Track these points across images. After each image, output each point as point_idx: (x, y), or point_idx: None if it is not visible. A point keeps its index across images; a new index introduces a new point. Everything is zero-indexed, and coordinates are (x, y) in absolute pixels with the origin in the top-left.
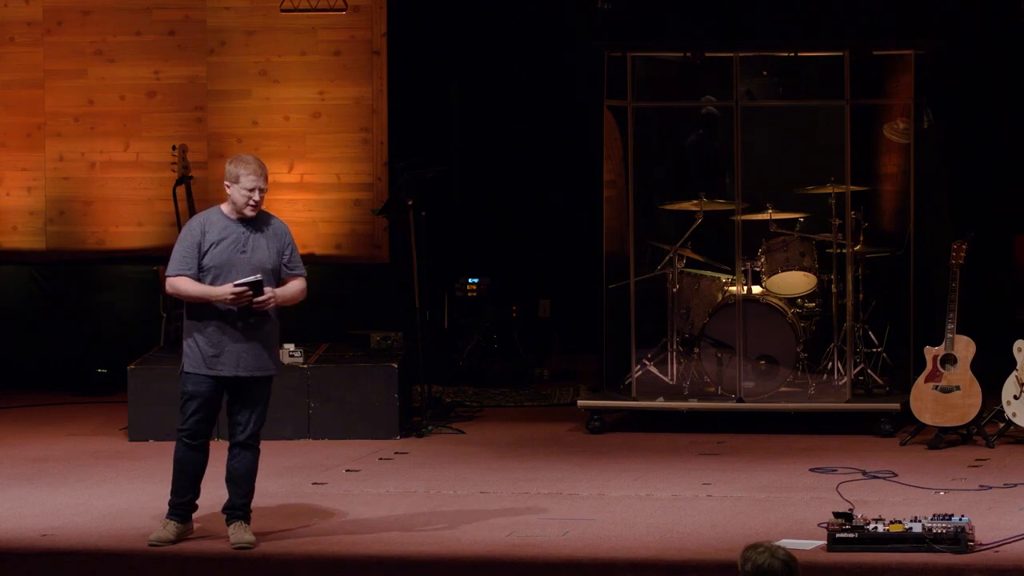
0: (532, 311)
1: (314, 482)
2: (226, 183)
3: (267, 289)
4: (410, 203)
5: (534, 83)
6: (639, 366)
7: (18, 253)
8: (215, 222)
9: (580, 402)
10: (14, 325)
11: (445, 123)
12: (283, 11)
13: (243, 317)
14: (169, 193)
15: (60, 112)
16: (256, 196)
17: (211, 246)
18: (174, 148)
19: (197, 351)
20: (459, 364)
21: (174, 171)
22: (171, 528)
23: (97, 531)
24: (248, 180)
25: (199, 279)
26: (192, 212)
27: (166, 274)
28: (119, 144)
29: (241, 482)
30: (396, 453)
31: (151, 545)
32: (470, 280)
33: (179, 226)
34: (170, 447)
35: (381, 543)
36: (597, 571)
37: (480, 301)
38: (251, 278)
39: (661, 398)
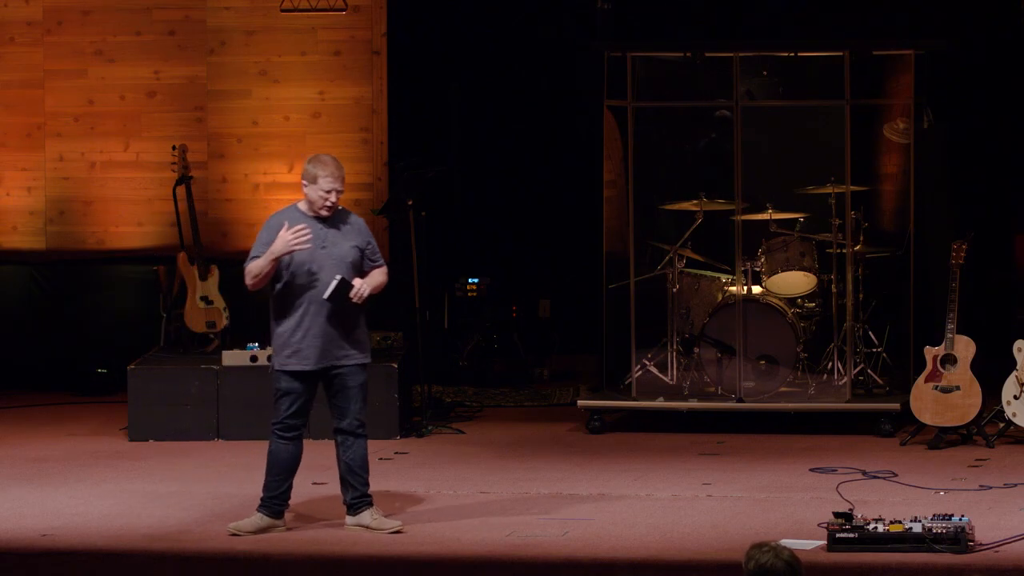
0: (532, 311)
1: (314, 482)
2: (303, 182)
3: (355, 281)
4: (410, 203)
5: (534, 83)
6: (639, 366)
7: (18, 253)
8: (295, 219)
9: (580, 402)
10: (14, 325)
11: (445, 123)
12: (283, 11)
13: (331, 309)
14: (169, 193)
15: (60, 112)
16: (332, 197)
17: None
18: (174, 148)
19: (287, 346)
20: (459, 364)
21: (174, 171)
22: (255, 519)
23: (97, 531)
24: (326, 182)
25: (280, 276)
26: (192, 212)
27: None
28: (119, 144)
29: (360, 471)
30: (396, 453)
31: (231, 534)
32: (470, 280)
33: (179, 226)
34: (170, 447)
35: (381, 543)
36: (597, 571)
37: (480, 301)
38: (334, 282)
39: (661, 398)
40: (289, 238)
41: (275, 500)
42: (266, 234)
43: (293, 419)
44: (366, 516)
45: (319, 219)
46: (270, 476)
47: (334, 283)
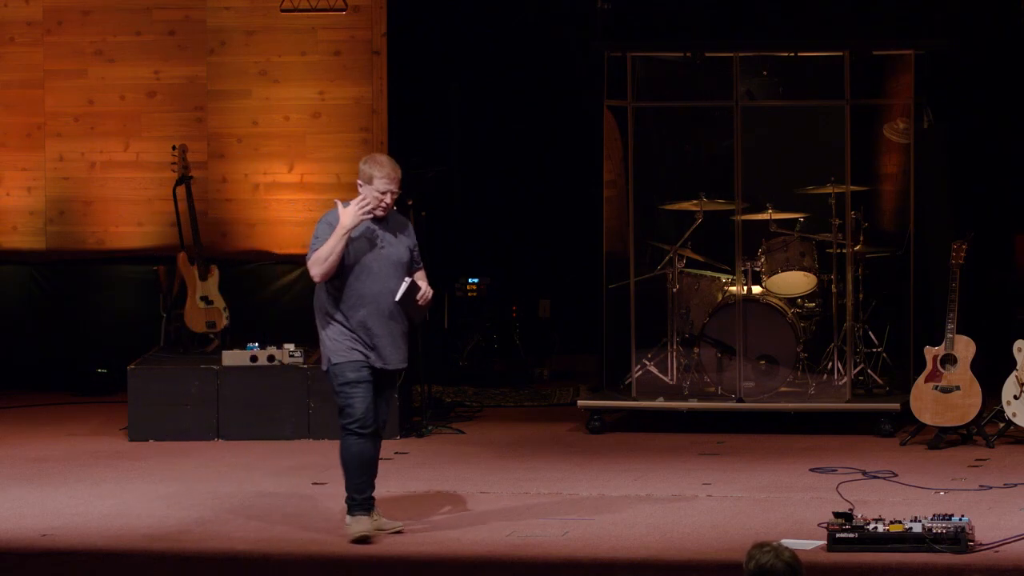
0: (532, 311)
1: (314, 482)
2: (359, 182)
3: (421, 284)
4: (410, 203)
5: (534, 83)
6: (639, 366)
7: (18, 253)
8: None
9: (580, 402)
10: (14, 325)
11: (445, 123)
12: (283, 11)
13: (391, 312)
14: (169, 193)
15: (60, 112)
16: (388, 199)
17: (349, 242)
18: (174, 148)
19: (348, 342)
20: (459, 364)
21: (174, 171)
22: (367, 521)
23: (97, 531)
24: (382, 183)
25: (339, 275)
26: (192, 212)
27: (307, 264)
28: (119, 144)
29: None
30: (396, 453)
31: (357, 542)
32: (470, 280)
33: (179, 226)
34: (170, 447)
35: (381, 543)
36: (597, 571)
37: (480, 301)
38: (404, 285)
39: (661, 398)
40: (355, 210)
41: (369, 499)
42: (323, 228)
43: (368, 412)
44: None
45: (374, 220)
46: (360, 477)
47: (404, 285)
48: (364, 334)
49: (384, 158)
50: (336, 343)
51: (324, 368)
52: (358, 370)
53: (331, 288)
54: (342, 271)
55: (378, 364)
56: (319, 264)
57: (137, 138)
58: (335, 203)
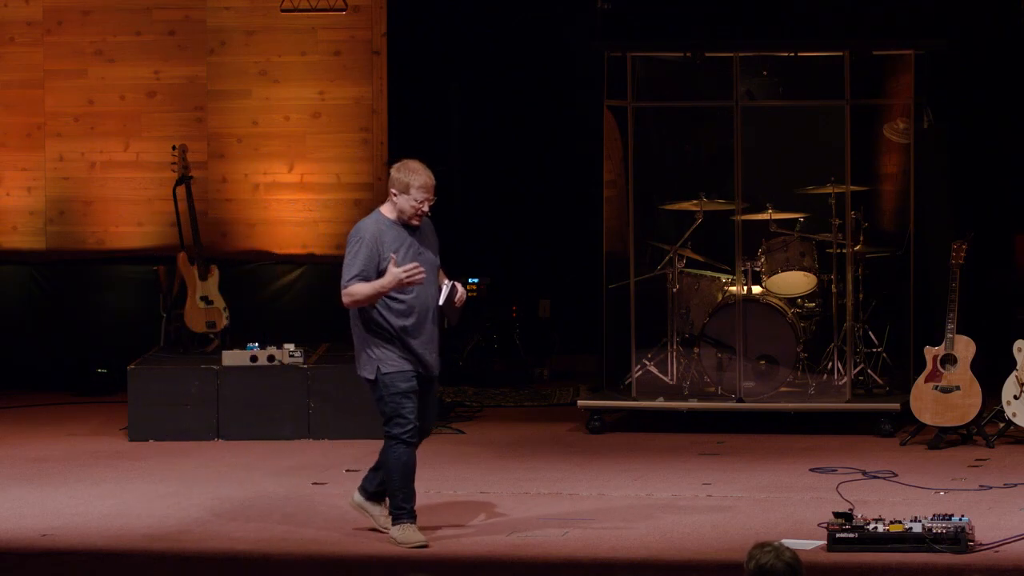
0: (532, 311)
1: (314, 482)
2: (393, 190)
3: (456, 285)
4: None
5: (534, 83)
6: (639, 366)
7: (18, 253)
8: (386, 230)
9: (580, 402)
10: (14, 325)
11: (445, 123)
12: (283, 11)
13: (432, 318)
14: (169, 193)
15: (60, 112)
16: (425, 208)
17: (386, 252)
18: (174, 148)
19: (398, 351)
20: (459, 364)
21: (174, 171)
22: (415, 529)
23: (97, 531)
24: (419, 192)
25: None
26: (192, 212)
27: (342, 285)
28: (119, 144)
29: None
30: None
31: (414, 546)
32: (470, 280)
33: (179, 226)
34: (170, 447)
35: (381, 543)
36: (597, 571)
37: (480, 301)
38: (447, 289)
39: (661, 398)
40: (401, 277)
41: (413, 508)
42: (364, 250)
43: (417, 421)
44: (377, 509)
45: (406, 225)
46: (408, 486)
47: (447, 289)
48: (409, 341)
49: (418, 165)
50: (385, 352)
51: (371, 377)
52: (409, 380)
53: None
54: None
55: (422, 371)
56: (351, 299)
57: (137, 138)
58: (377, 213)
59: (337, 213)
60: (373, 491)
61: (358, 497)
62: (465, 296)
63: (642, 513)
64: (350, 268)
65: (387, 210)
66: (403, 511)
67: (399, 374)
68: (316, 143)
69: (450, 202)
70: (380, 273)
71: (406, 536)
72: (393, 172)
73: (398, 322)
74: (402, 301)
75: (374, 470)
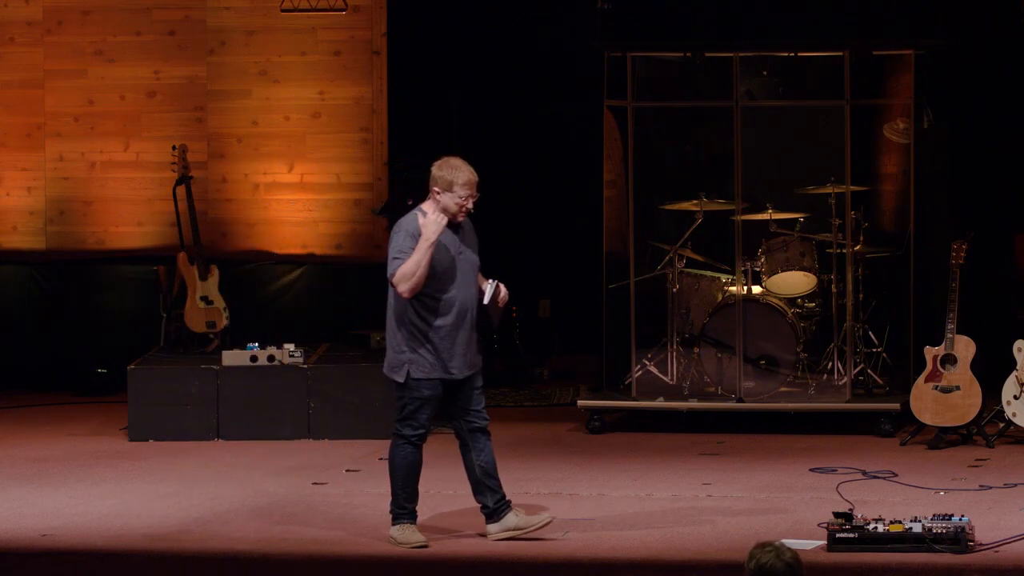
0: (532, 311)
1: (314, 482)
2: (435, 188)
3: (500, 285)
4: (410, 203)
5: (534, 83)
6: (639, 366)
7: (18, 253)
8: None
9: (580, 402)
10: (14, 325)
11: (445, 123)
12: (283, 11)
13: (472, 319)
14: (169, 193)
15: (60, 112)
16: (470, 204)
17: (434, 251)
18: (174, 148)
19: (430, 356)
20: None
21: (174, 171)
22: (415, 529)
23: (97, 531)
24: (463, 189)
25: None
26: (192, 212)
27: (389, 276)
28: (119, 144)
29: (494, 472)
30: None
31: (415, 547)
32: None
33: (179, 226)
34: (170, 447)
35: (381, 543)
36: (597, 571)
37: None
38: (491, 288)
39: (661, 398)
40: (438, 220)
41: (415, 508)
42: (404, 239)
43: (428, 427)
44: (511, 519)
45: (450, 225)
46: (411, 486)
47: (491, 288)
48: (448, 341)
49: (460, 162)
50: (419, 356)
51: (400, 380)
52: (434, 388)
53: (414, 300)
54: (429, 282)
55: (463, 373)
56: (407, 280)
57: (137, 138)
58: (418, 211)
59: (337, 213)
60: (493, 508)
61: (491, 528)
62: (507, 295)
63: (642, 513)
64: (394, 260)
65: (428, 208)
66: (404, 511)
67: (427, 381)
68: (316, 143)
69: None
70: (431, 276)
71: (406, 536)
72: (435, 170)
73: (437, 321)
74: (440, 299)
75: (476, 487)
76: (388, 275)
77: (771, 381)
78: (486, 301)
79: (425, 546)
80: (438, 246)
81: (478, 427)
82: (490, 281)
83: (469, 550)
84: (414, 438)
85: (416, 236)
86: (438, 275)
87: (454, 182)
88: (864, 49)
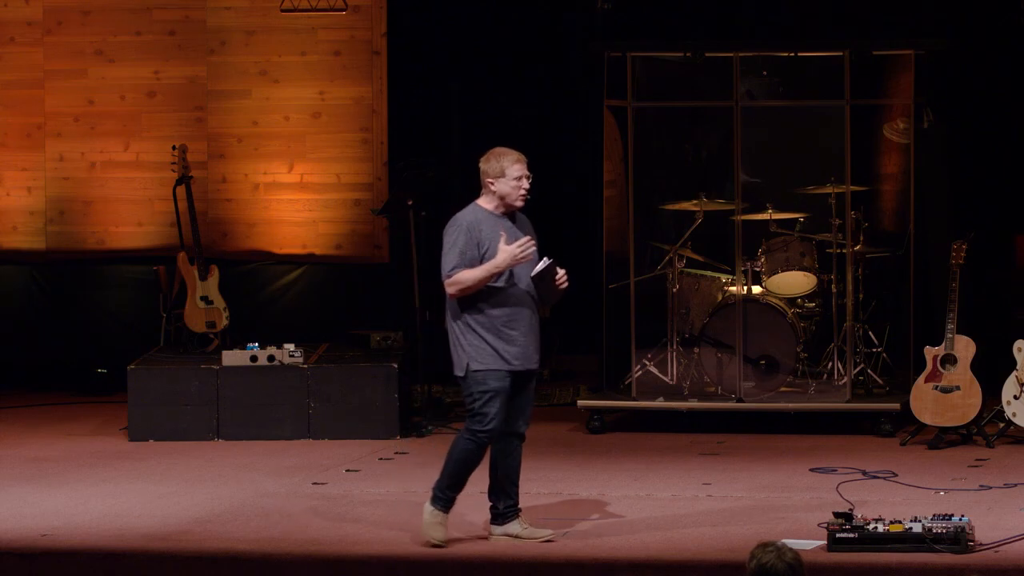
0: None
1: (314, 482)
2: (489, 180)
3: (554, 263)
4: (410, 203)
5: (534, 83)
6: (639, 366)
7: (18, 253)
8: (484, 219)
9: (580, 402)
10: (14, 325)
11: (445, 123)
12: (283, 11)
13: (531, 314)
14: (169, 193)
15: (60, 112)
16: (526, 184)
17: (489, 244)
18: (174, 148)
19: (489, 347)
20: None
21: (174, 171)
22: (443, 524)
23: (97, 531)
24: (515, 169)
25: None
26: (192, 212)
27: (444, 274)
28: (119, 144)
29: (517, 478)
30: (396, 453)
31: (435, 546)
32: None
33: (179, 226)
34: (170, 447)
35: (381, 543)
36: (597, 571)
37: None
38: (544, 262)
39: (661, 398)
40: (516, 252)
41: (455, 498)
42: (463, 239)
43: (500, 422)
44: (515, 526)
45: (505, 215)
46: (463, 479)
47: (544, 263)
48: (509, 332)
49: (504, 148)
50: (477, 349)
51: (461, 374)
52: (501, 379)
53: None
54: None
55: (519, 366)
56: (458, 287)
57: (137, 138)
58: (474, 205)
59: (337, 213)
60: (502, 511)
61: (494, 528)
62: (566, 280)
63: (642, 513)
64: (450, 257)
65: (484, 201)
66: (443, 496)
67: (489, 372)
68: (316, 143)
69: (450, 202)
70: (483, 261)
71: (432, 524)
72: (482, 164)
73: (494, 315)
74: (497, 291)
75: (492, 488)
76: (442, 270)
77: (771, 381)
78: (533, 274)
79: (440, 546)
80: (492, 239)
81: (517, 432)
82: (547, 258)
83: (469, 550)
84: (481, 434)
85: (472, 231)
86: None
87: (505, 167)
88: (864, 49)
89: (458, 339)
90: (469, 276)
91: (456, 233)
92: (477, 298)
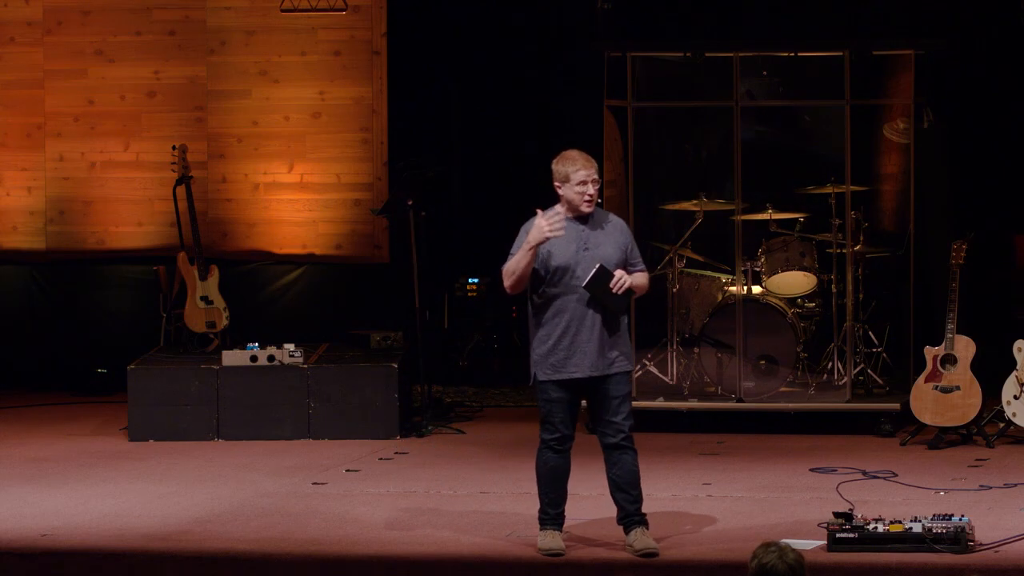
0: None
1: (314, 482)
2: (556, 184)
3: (616, 272)
4: (410, 203)
5: (534, 83)
6: (639, 366)
7: (18, 253)
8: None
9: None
10: (14, 325)
11: (445, 123)
12: (283, 11)
13: (595, 318)
14: (169, 193)
15: (60, 112)
16: (591, 189)
17: (551, 246)
18: (174, 148)
19: (551, 357)
20: (459, 364)
21: (174, 171)
22: (558, 536)
23: (97, 531)
24: (579, 174)
25: (541, 282)
26: (192, 212)
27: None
28: (119, 144)
29: (627, 487)
30: (396, 453)
31: (546, 554)
32: (470, 280)
33: (179, 226)
34: (170, 447)
35: (381, 543)
36: (597, 571)
37: (480, 301)
38: (594, 269)
39: (661, 398)
40: (544, 225)
41: (561, 513)
42: (521, 236)
43: (567, 430)
44: (630, 536)
45: (579, 219)
46: (554, 492)
47: (594, 270)
48: (572, 340)
49: (575, 152)
50: (541, 359)
51: (531, 383)
52: (560, 389)
53: (536, 297)
54: (544, 276)
55: (586, 373)
56: (507, 277)
57: (137, 138)
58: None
59: (337, 213)
60: (620, 521)
61: (627, 537)
62: (626, 283)
63: None
64: (510, 255)
65: (559, 207)
66: (547, 516)
67: (550, 384)
68: (316, 143)
69: (450, 202)
70: (547, 270)
71: (545, 542)
72: (553, 166)
73: (555, 320)
74: (557, 296)
75: (613, 499)
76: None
77: (771, 381)
78: (583, 285)
79: (559, 554)
80: (557, 241)
81: (611, 443)
82: (597, 264)
83: (469, 550)
84: (552, 442)
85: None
86: (554, 270)
87: (568, 173)
88: (864, 49)
89: (531, 347)
90: (510, 264)
91: (520, 235)
92: (546, 305)
